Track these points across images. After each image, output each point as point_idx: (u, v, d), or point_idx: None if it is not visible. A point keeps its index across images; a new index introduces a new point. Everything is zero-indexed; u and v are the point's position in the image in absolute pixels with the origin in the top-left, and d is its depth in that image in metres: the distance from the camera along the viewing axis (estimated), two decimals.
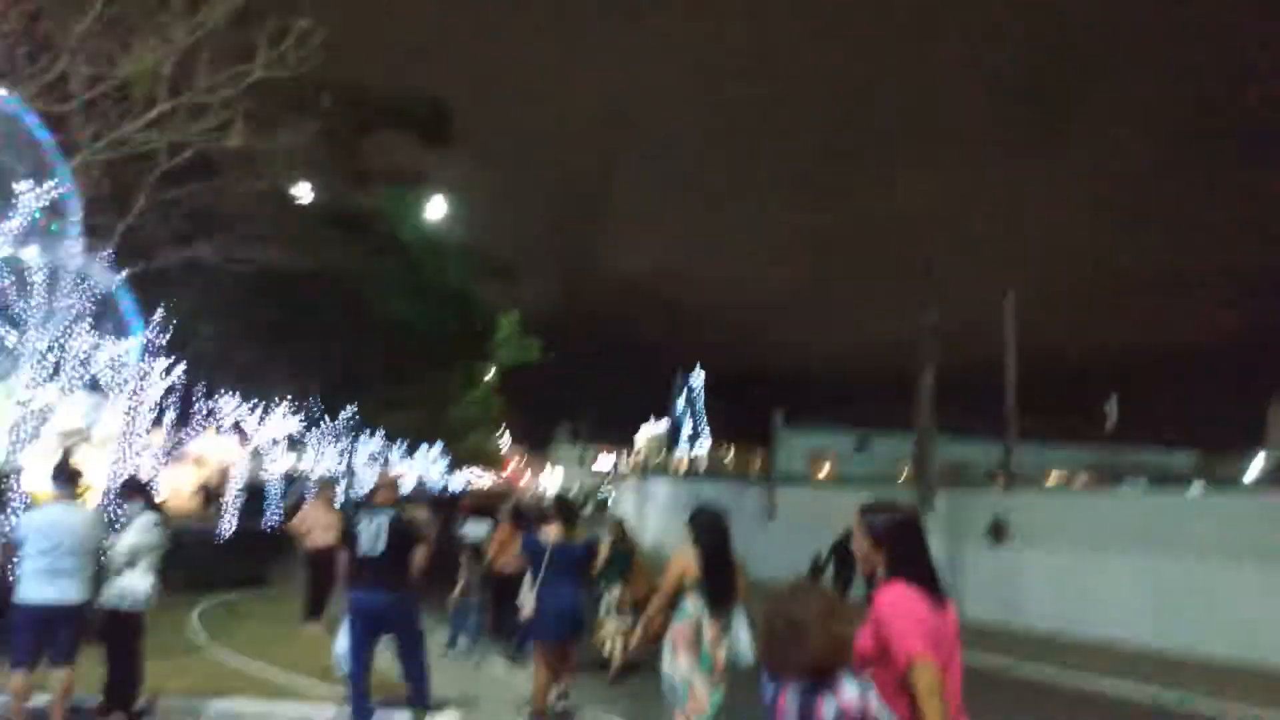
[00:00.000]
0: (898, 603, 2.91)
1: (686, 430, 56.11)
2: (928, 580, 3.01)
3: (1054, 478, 32.27)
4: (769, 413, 45.90)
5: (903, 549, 3.08)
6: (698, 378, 55.38)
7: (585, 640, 8.46)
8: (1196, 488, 19.39)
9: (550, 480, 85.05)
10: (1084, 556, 14.17)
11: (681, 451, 54.01)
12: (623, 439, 66.74)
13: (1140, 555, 13.40)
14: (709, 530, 5.65)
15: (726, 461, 46.11)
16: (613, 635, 9.38)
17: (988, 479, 29.88)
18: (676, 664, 5.35)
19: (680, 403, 59.07)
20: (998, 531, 15.86)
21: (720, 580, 5.51)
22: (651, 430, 69.34)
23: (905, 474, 34.75)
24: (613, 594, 9.48)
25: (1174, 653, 12.28)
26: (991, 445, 25.52)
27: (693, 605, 5.43)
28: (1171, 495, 17.53)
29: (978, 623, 15.09)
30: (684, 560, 5.54)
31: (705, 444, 50.75)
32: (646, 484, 37.97)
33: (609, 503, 42.56)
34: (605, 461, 57.01)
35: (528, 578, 8.04)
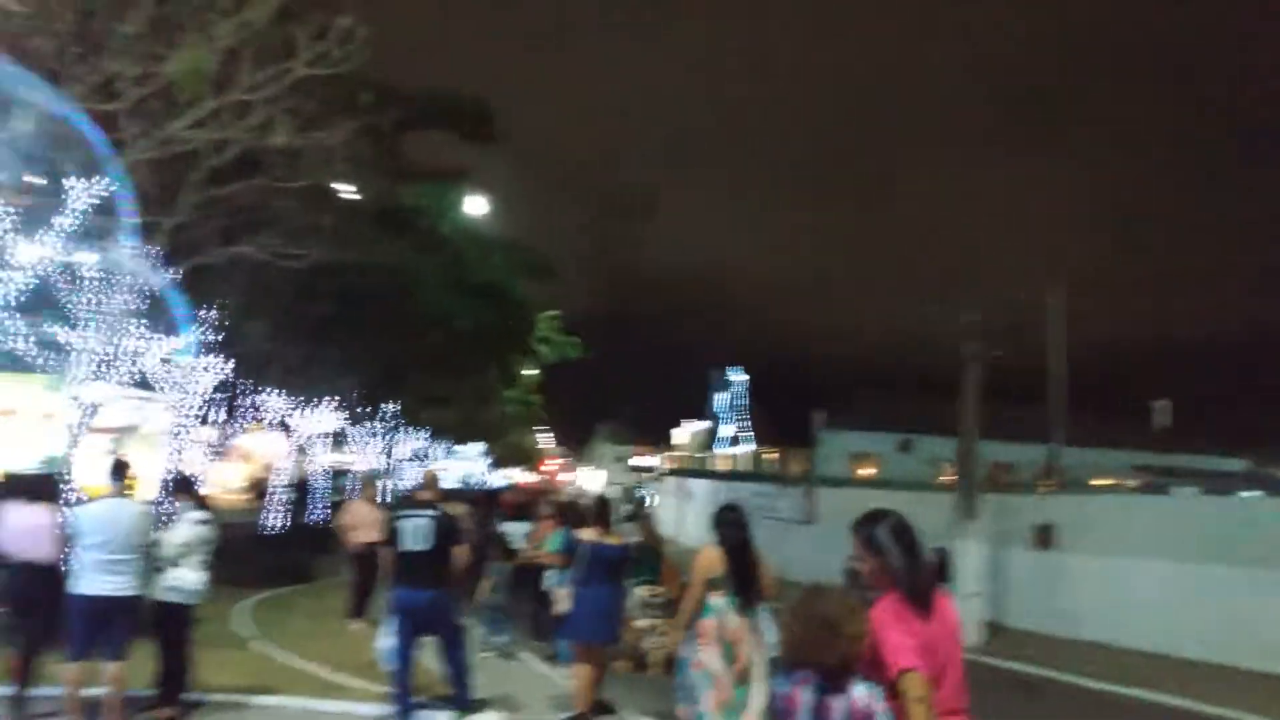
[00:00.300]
0: (888, 616, 3.02)
1: (726, 430, 55.93)
2: (918, 588, 3.11)
3: (1101, 482, 31.64)
4: (810, 414, 45.68)
5: (892, 559, 3.17)
6: (737, 377, 55.19)
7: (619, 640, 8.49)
8: (1250, 494, 18.92)
9: (589, 479, 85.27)
10: (1133, 563, 13.86)
11: (721, 451, 53.86)
12: (662, 438, 66.72)
13: (1193, 562, 13.08)
14: (731, 528, 5.88)
15: (769, 462, 45.83)
16: (642, 633, 9.39)
17: (1033, 483, 29.45)
18: (700, 656, 5.54)
19: (719, 402, 58.91)
20: (1043, 536, 15.59)
21: (743, 576, 5.71)
22: (691, 430, 69.24)
23: (949, 476, 34.31)
24: (641, 592, 9.47)
25: (1226, 665, 11.97)
26: (1037, 448, 25.18)
27: (717, 601, 5.63)
28: (1226, 500, 17.11)
29: (1022, 630, 14.83)
30: (709, 558, 5.76)
31: (746, 445, 50.55)
32: (686, 484, 37.90)
33: (648, 502, 42.55)
34: (644, 461, 57.04)
35: (548, 573, 8.54)
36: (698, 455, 53.83)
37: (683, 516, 33.99)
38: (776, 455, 44.50)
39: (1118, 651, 13.13)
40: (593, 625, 7.12)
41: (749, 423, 51.27)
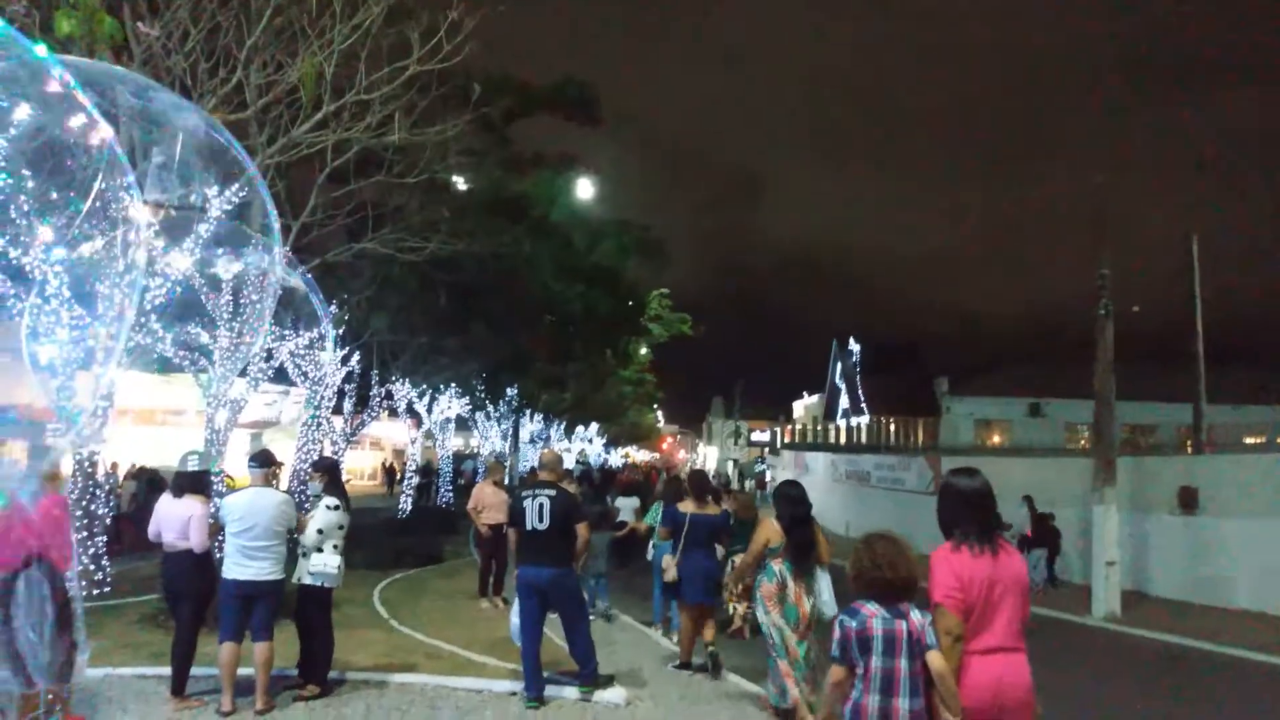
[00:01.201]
0: (936, 559, 3.56)
1: (846, 401, 54.91)
2: (971, 536, 3.57)
3: (1254, 440, 29.60)
4: (932, 381, 44.32)
5: (947, 511, 3.69)
6: (854, 347, 54.00)
7: (718, 602, 8.72)
8: None
9: (705, 456, 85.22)
10: None
11: (840, 423, 52.94)
12: (778, 413, 65.97)
13: None
14: (790, 502, 6.60)
15: (892, 433, 44.71)
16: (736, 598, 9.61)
17: (1175, 444, 27.85)
18: (769, 616, 6.29)
19: (837, 373, 57.83)
20: (1186, 500, 14.71)
21: (801, 544, 6.41)
22: (808, 403, 68.26)
23: (1085, 441, 32.85)
24: (736, 561, 9.58)
25: None
26: (1181, 408, 23.74)
27: (778, 567, 6.36)
28: None
29: (1166, 599, 14.06)
30: (769, 528, 6.51)
31: (867, 415, 49.48)
32: (803, 457, 37.45)
33: (766, 476, 42.23)
34: (763, 435, 56.59)
35: (653, 543, 9.31)
36: (817, 428, 52.99)
37: None
38: (894, 426, 43.40)
39: (1274, 619, 12.31)
40: (694, 587, 7.77)
41: (870, 393, 50.13)
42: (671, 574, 7.90)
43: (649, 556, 9.94)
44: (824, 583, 6.40)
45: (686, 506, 8.00)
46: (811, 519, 6.63)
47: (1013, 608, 3.51)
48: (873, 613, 3.48)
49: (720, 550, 8.74)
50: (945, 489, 3.74)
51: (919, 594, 3.61)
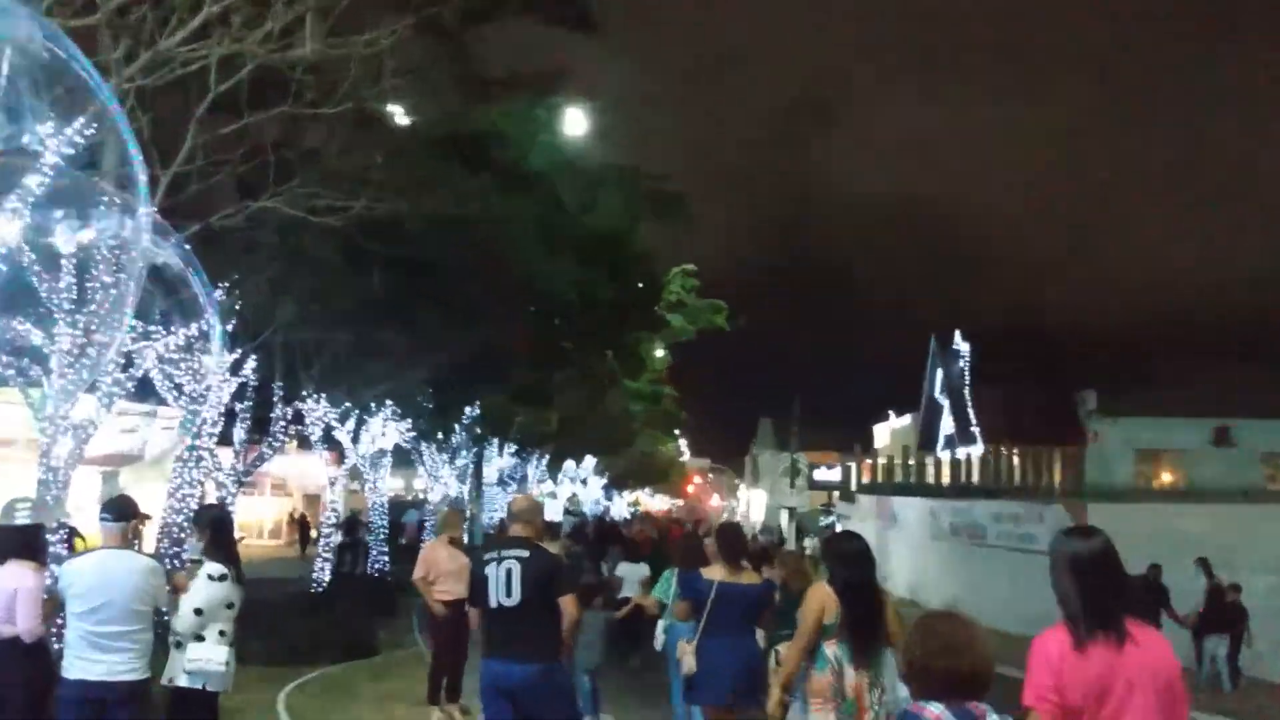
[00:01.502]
0: (1033, 648, 3.78)
1: (947, 425, 54.77)
2: (1083, 617, 3.75)
3: None
4: (1074, 395, 44.13)
5: (1060, 586, 3.89)
6: (961, 347, 53.86)
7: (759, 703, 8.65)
8: None
9: (749, 503, 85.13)
10: None
11: (942, 456, 52.82)
12: (853, 441, 65.83)
13: None
14: (843, 560, 6.69)
15: (1014, 467, 44.67)
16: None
17: None
18: (814, 718, 6.29)
19: (937, 386, 57.68)
20: None
21: (863, 621, 6.38)
22: (896, 427, 68.08)
23: None
24: (783, 650, 9.55)
25: None
26: None
27: (831, 651, 6.33)
28: None
29: None
30: (822, 595, 6.50)
31: (977, 444, 49.38)
32: (889, 504, 37.43)
33: (836, 530, 42.22)
34: (829, 474, 56.41)
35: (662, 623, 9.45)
36: (909, 463, 52.92)
37: (884, 551, 33.49)
38: (1019, 460, 43.22)
39: None
40: (720, 684, 7.69)
41: (985, 412, 49.98)
42: (690, 664, 7.82)
43: (658, 645, 9.92)
44: (891, 669, 6.41)
45: (713, 573, 7.97)
46: (875, 583, 6.71)
47: (1144, 712, 3.62)
48: (936, 716, 3.59)
49: (761, 635, 8.75)
50: (1052, 554, 3.95)
51: (999, 688, 3.73)
